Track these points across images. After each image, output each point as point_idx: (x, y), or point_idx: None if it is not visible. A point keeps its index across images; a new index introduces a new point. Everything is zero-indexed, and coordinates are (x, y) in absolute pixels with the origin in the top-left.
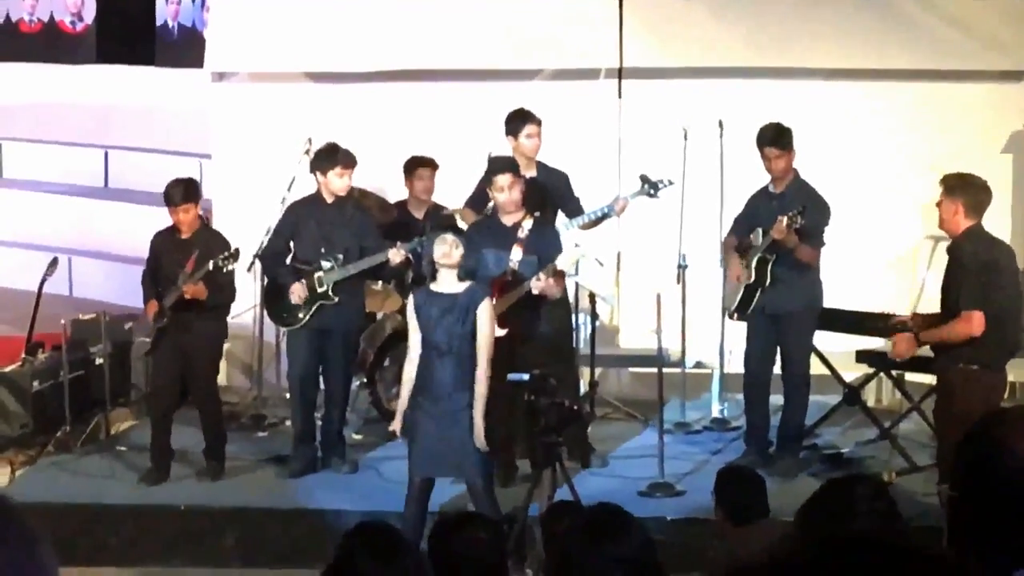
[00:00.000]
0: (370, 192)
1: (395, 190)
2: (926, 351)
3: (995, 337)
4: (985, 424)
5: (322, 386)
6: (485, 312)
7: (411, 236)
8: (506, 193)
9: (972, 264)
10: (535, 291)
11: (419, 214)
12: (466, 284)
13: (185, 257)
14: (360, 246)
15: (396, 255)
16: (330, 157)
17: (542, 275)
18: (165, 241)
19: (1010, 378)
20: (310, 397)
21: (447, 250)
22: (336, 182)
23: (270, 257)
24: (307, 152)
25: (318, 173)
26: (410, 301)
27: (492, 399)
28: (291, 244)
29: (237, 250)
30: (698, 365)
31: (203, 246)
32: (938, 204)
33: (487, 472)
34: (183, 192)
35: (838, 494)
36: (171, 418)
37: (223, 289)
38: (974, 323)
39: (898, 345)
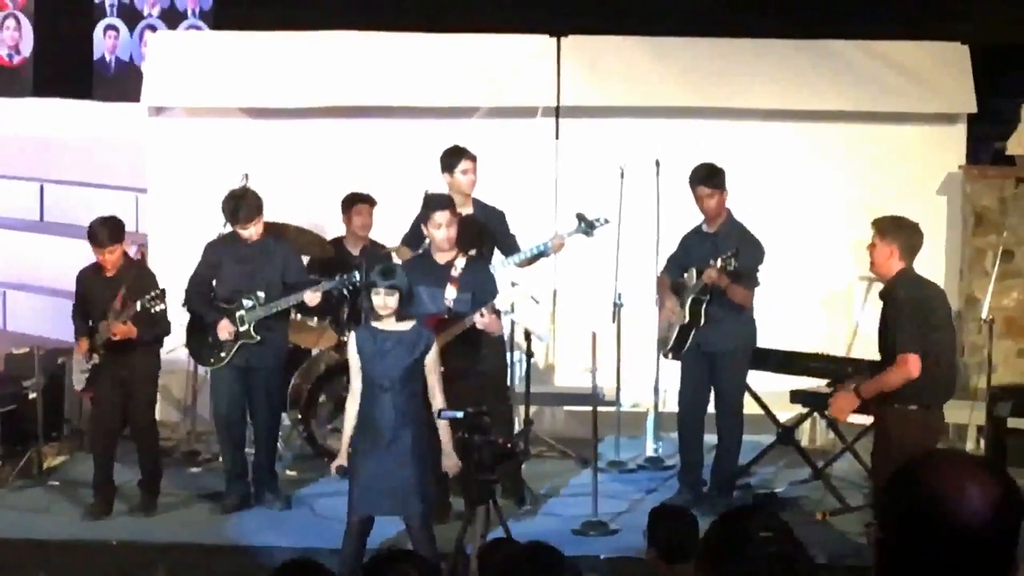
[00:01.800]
0: (306, 229)
1: (332, 226)
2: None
3: (932, 377)
4: (912, 465)
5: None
6: (434, 352)
7: (346, 272)
8: (443, 230)
9: (907, 306)
10: (479, 326)
11: (356, 251)
12: (412, 322)
13: (113, 294)
14: (283, 281)
15: (311, 298)
16: (232, 214)
17: (484, 311)
18: (91, 279)
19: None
20: (237, 434)
21: (382, 302)
22: (243, 234)
23: (191, 297)
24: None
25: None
26: (351, 340)
27: (429, 435)
28: (212, 284)
29: (163, 291)
30: (633, 404)
31: (130, 282)
32: (870, 247)
33: (427, 510)
34: (109, 233)
35: (733, 528)
36: (113, 451)
37: (156, 323)
38: (910, 366)
39: (838, 402)
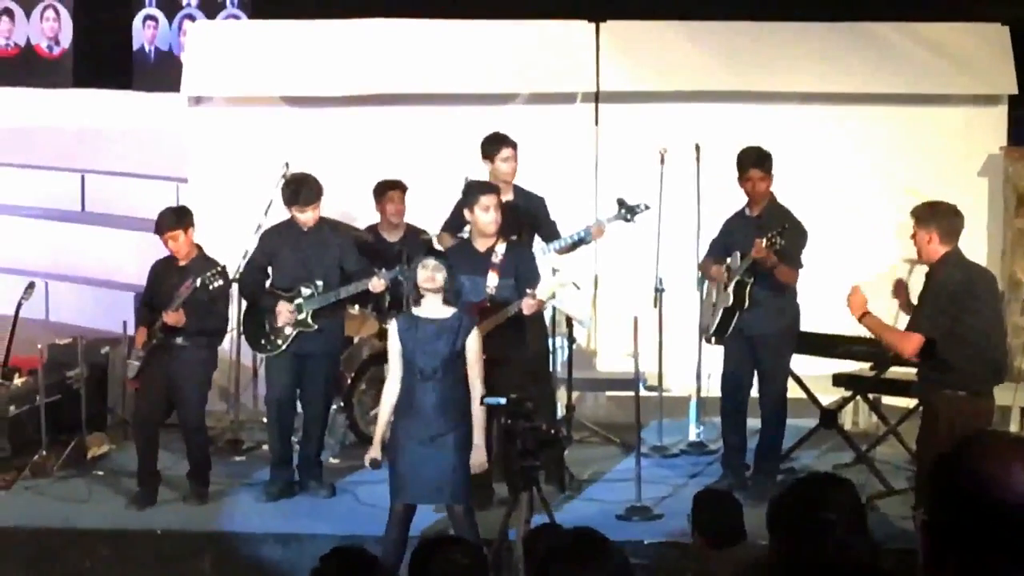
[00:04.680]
0: (343, 223)
1: (371, 214)
2: (908, 374)
3: (978, 362)
4: (958, 448)
5: (300, 410)
6: (475, 338)
7: (385, 260)
8: (490, 213)
9: (941, 290)
10: (527, 311)
11: (392, 238)
12: (453, 309)
13: (181, 283)
14: (342, 269)
15: (377, 285)
16: (293, 195)
17: (528, 297)
18: (162, 269)
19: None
20: (287, 421)
21: (429, 274)
22: (300, 217)
23: (247, 284)
24: (284, 176)
25: (287, 207)
26: (392, 326)
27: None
28: (268, 271)
29: (224, 268)
30: (675, 388)
31: (199, 273)
32: (913, 236)
33: (467, 496)
34: (168, 221)
35: (809, 494)
36: (156, 442)
37: (211, 314)
38: (910, 344)
39: (854, 296)
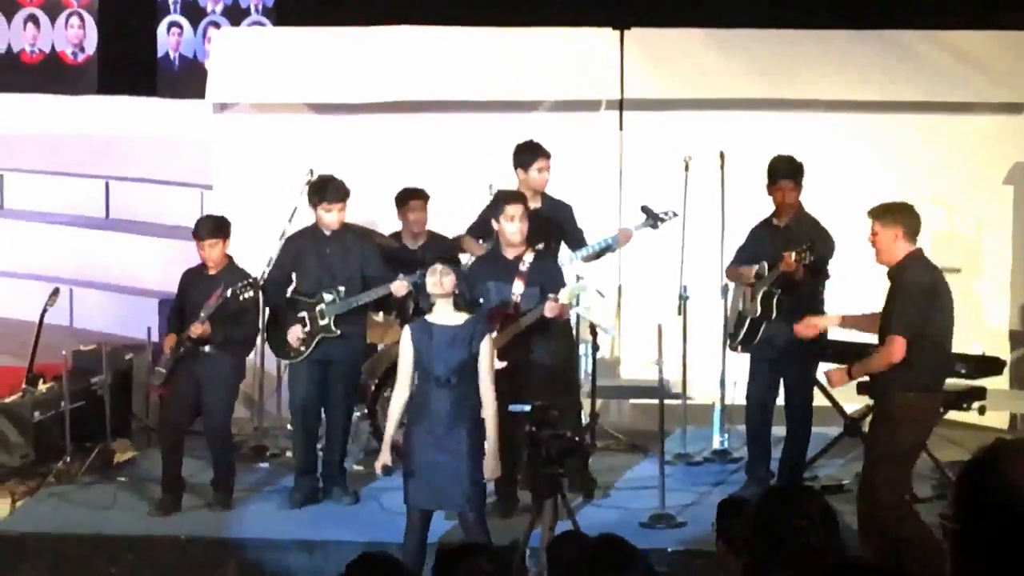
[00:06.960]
0: (370, 229)
1: (394, 221)
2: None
3: (934, 361)
4: (985, 457)
5: (324, 417)
6: (487, 345)
7: (408, 267)
8: (515, 223)
9: (913, 288)
10: (549, 314)
11: (414, 245)
12: (465, 316)
13: (210, 293)
14: (363, 275)
15: (399, 288)
16: (319, 193)
17: (550, 301)
18: (192, 277)
19: (1011, 410)
20: (311, 428)
21: (436, 279)
22: (325, 217)
23: (271, 290)
24: (309, 183)
25: (312, 207)
26: (405, 334)
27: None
28: (292, 276)
29: (256, 280)
30: (699, 396)
31: (229, 283)
32: (872, 236)
33: (480, 503)
34: (210, 227)
35: (771, 514)
36: (181, 449)
37: (239, 324)
38: (895, 347)
39: (830, 375)
